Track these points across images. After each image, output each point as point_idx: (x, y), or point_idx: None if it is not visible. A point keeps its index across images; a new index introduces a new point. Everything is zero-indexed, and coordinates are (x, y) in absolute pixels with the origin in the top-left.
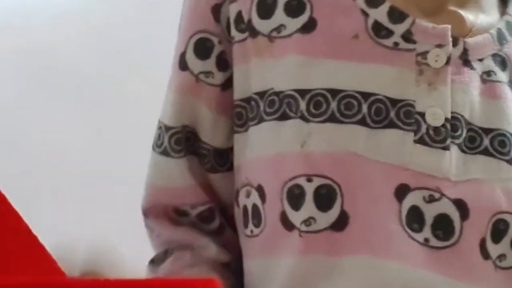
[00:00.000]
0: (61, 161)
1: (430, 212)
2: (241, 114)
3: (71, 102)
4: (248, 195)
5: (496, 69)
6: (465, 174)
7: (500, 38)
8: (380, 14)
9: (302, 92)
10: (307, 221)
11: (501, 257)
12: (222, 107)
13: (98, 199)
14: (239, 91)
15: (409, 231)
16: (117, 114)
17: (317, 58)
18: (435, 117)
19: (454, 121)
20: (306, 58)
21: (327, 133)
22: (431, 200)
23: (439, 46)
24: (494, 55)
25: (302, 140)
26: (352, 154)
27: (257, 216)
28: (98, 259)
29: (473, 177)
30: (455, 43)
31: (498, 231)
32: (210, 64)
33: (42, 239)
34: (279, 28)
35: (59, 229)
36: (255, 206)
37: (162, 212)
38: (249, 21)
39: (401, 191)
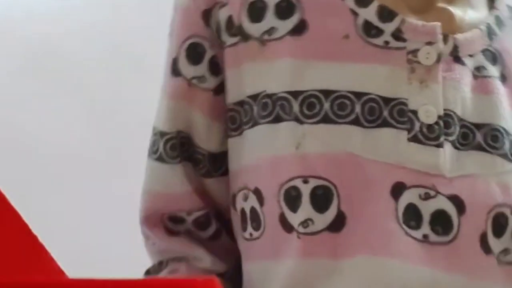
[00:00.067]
0: (61, 153)
1: (426, 209)
2: (235, 118)
3: (71, 96)
4: (245, 198)
5: (487, 64)
6: (460, 170)
7: (490, 33)
8: (369, 13)
9: (295, 94)
10: (305, 223)
11: (505, 251)
12: (215, 111)
13: (98, 195)
14: (232, 95)
15: (407, 229)
16: (118, 108)
17: (309, 60)
18: (428, 114)
19: (446, 118)
20: (298, 60)
21: (322, 134)
22: (427, 197)
23: (430, 43)
24: (485, 51)
25: (297, 141)
26: (348, 154)
27: (256, 219)
28: None
29: (468, 173)
30: (445, 40)
31: (499, 225)
32: (202, 69)
33: (40, 235)
34: (270, 31)
35: (58, 225)
36: (253, 209)
37: (158, 221)
38: (240, 25)
39: (397, 189)
